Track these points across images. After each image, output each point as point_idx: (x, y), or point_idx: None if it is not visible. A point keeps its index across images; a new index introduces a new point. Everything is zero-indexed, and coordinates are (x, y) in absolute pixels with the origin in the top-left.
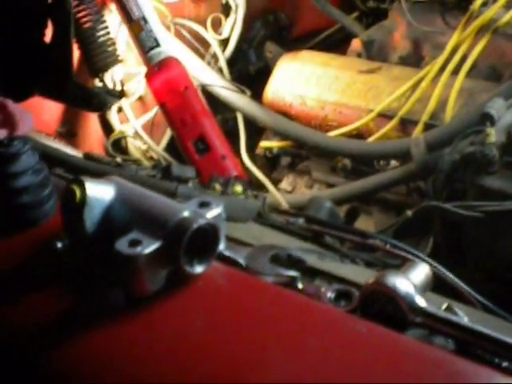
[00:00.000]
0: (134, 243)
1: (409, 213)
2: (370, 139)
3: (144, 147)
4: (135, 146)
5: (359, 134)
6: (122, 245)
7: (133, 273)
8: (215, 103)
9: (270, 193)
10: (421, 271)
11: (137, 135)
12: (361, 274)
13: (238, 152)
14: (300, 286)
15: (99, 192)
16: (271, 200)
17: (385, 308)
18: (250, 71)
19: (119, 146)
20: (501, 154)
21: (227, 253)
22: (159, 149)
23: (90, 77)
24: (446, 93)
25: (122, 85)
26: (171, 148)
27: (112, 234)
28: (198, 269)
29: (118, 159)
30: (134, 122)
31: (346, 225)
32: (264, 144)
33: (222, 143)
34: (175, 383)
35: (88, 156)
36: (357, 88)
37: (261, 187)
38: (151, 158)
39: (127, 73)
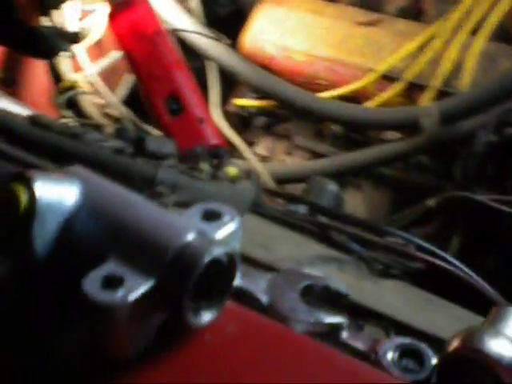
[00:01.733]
0: (112, 282)
1: (431, 202)
2: (368, 104)
3: (100, 101)
4: (89, 100)
5: (354, 98)
6: (91, 285)
7: (109, 329)
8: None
9: (245, 159)
10: None
11: (92, 86)
12: (423, 316)
13: None
14: (345, 335)
15: (57, 195)
16: (245, 167)
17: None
18: (219, 14)
19: (71, 102)
20: None
21: (241, 283)
22: (121, 105)
23: (37, 15)
24: (460, 55)
25: (78, 26)
26: (132, 104)
27: (75, 259)
28: (206, 317)
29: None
30: (90, 69)
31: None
32: (239, 102)
33: (199, 103)
34: None
35: (35, 121)
36: (354, 42)
37: (231, 151)
38: (107, 115)
39: (83, 10)
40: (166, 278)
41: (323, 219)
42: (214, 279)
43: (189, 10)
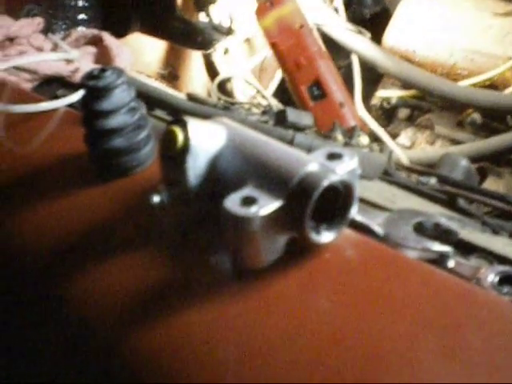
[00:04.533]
0: (248, 201)
1: None
2: (508, 90)
3: (251, 92)
4: (242, 92)
5: (493, 85)
6: (233, 203)
7: (245, 238)
8: (327, 48)
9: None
10: None
11: (244, 79)
12: None
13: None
14: (452, 264)
15: (206, 136)
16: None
17: None
18: (364, 15)
19: (224, 91)
20: None
21: (360, 218)
22: (269, 94)
23: (195, 11)
24: None
25: (231, 20)
26: (279, 96)
27: (220, 188)
28: (326, 237)
29: (223, 102)
30: (243, 64)
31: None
32: (382, 93)
33: (339, 89)
34: (296, 379)
35: (192, 97)
36: (493, 32)
37: (376, 141)
38: (258, 105)
39: (234, 10)
40: (291, 199)
41: (454, 190)
42: (333, 206)
43: (334, 9)
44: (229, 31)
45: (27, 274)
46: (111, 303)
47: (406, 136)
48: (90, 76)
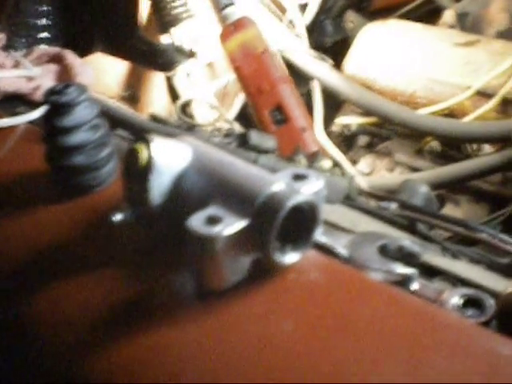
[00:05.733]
0: (213, 220)
1: None
2: (466, 119)
3: (213, 116)
4: (203, 115)
5: (452, 114)
6: (196, 222)
7: (209, 258)
8: (289, 75)
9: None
10: None
11: (206, 103)
12: (489, 278)
13: None
14: (416, 286)
15: (170, 154)
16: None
17: None
18: (325, 43)
19: (185, 113)
20: None
21: (324, 239)
22: (232, 120)
23: (158, 32)
24: None
25: (194, 43)
26: (240, 121)
27: (184, 207)
28: (291, 258)
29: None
30: (206, 87)
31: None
32: (342, 120)
33: (301, 114)
34: None
35: (155, 117)
36: (453, 62)
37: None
38: (220, 129)
39: (197, 33)
40: (256, 219)
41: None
42: (298, 227)
43: (296, 36)
44: (191, 54)
45: None
46: (71, 323)
47: (365, 163)
48: (53, 91)
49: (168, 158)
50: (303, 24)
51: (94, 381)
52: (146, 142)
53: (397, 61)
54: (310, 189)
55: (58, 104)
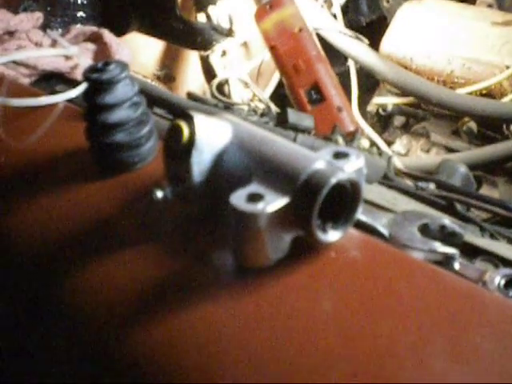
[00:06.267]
0: (255, 198)
1: None
2: (504, 99)
3: (248, 96)
4: (239, 94)
5: (490, 94)
6: (238, 199)
7: (251, 235)
8: (325, 53)
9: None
10: None
11: (242, 82)
12: None
13: None
14: (457, 266)
15: (212, 132)
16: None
17: None
18: (361, 23)
19: (221, 93)
20: None
21: (364, 218)
22: (267, 99)
23: (194, 11)
24: None
25: (230, 22)
26: (275, 101)
27: (225, 185)
28: (332, 236)
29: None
30: (241, 67)
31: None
32: (378, 100)
33: (338, 93)
34: (299, 381)
35: (192, 96)
36: (491, 42)
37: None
38: (256, 108)
39: (233, 12)
40: (298, 197)
41: (452, 195)
42: (340, 205)
43: (331, 15)
44: (228, 33)
45: (27, 270)
46: (111, 299)
47: (401, 143)
48: (93, 69)
49: (209, 136)
50: (339, 3)
51: (134, 357)
52: (188, 119)
53: (434, 40)
54: (352, 166)
55: (99, 81)
